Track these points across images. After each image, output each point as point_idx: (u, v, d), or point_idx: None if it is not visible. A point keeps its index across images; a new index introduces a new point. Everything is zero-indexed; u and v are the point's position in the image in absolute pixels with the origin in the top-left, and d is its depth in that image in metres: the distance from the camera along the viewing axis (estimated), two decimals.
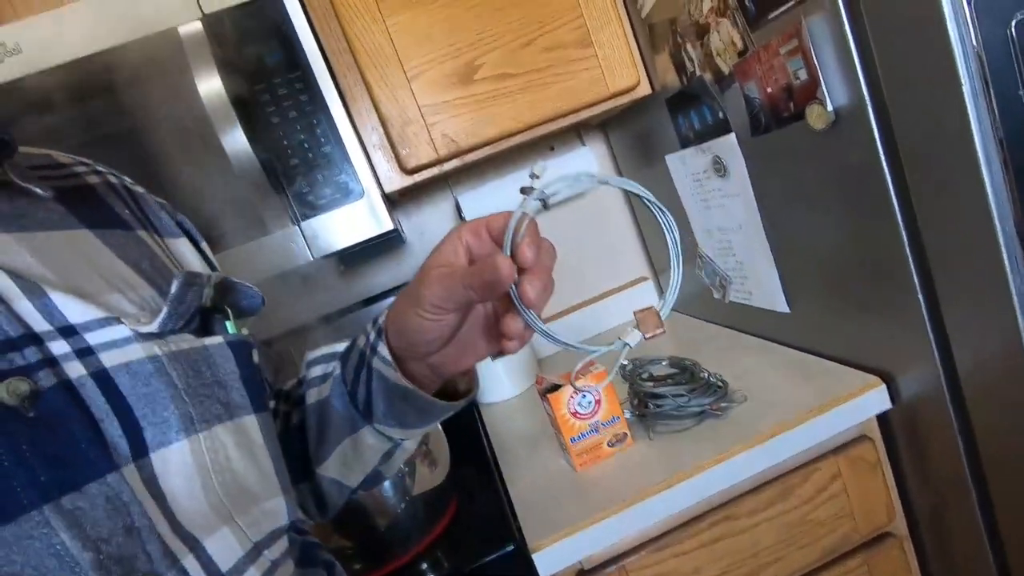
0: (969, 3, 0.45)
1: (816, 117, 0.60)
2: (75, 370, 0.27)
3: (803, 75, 0.60)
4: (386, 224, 0.78)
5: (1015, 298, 0.49)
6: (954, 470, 0.62)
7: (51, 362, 0.26)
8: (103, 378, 0.28)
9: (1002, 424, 0.57)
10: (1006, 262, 0.49)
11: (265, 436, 0.36)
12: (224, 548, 0.29)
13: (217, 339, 0.34)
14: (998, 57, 0.46)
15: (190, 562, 0.28)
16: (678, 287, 0.39)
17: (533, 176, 0.37)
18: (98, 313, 0.29)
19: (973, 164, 0.48)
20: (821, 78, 0.58)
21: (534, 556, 0.60)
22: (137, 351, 0.29)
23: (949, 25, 0.45)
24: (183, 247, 0.41)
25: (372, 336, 0.44)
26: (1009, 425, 0.56)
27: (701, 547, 0.65)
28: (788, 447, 0.65)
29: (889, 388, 0.66)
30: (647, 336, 0.38)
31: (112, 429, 0.27)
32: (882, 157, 0.56)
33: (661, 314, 0.38)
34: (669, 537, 0.65)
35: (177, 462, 0.29)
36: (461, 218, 1.11)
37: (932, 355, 0.59)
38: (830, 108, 0.58)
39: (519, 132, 0.87)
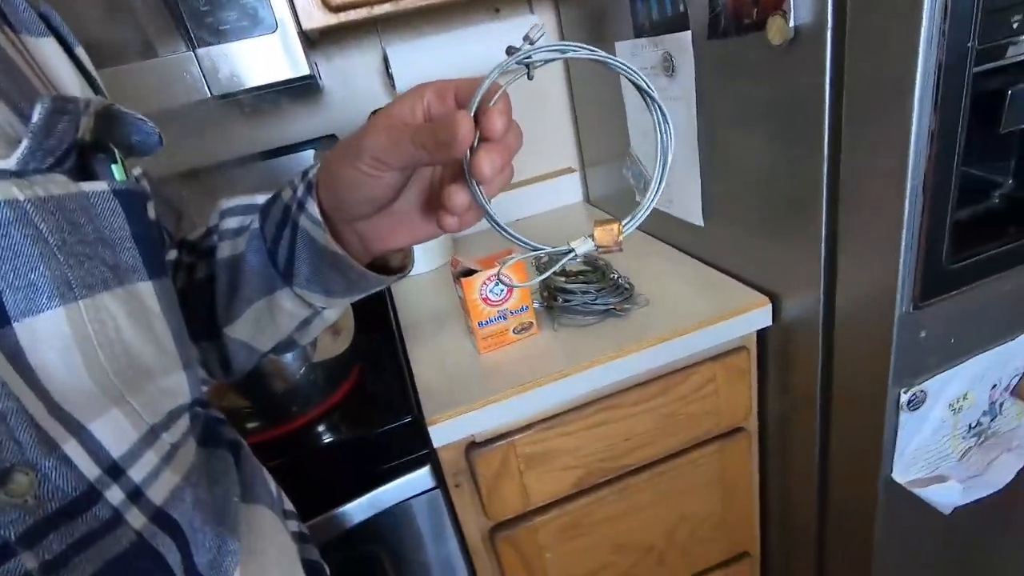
0: None
1: (776, 30, 0.57)
2: None
3: None
4: (301, 67, 0.69)
5: (902, 249, 0.54)
6: (808, 387, 0.71)
7: None
8: None
9: (857, 357, 0.64)
10: (905, 214, 0.52)
11: (163, 304, 0.31)
12: (114, 431, 0.26)
13: (100, 185, 0.27)
14: (964, 7, 0.45)
15: (72, 448, 0.24)
16: (651, 208, 0.36)
17: (527, 39, 0.31)
18: None
19: (907, 109, 0.49)
20: None
21: (430, 428, 0.63)
22: None
23: None
24: (50, 51, 0.31)
25: (300, 190, 0.38)
26: (862, 359, 0.63)
27: (585, 429, 0.71)
28: (677, 351, 0.70)
29: (774, 308, 0.72)
30: (599, 250, 0.36)
31: None
32: (827, 84, 0.55)
33: (624, 231, 0.35)
34: (557, 419, 0.70)
35: (49, 333, 0.24)
36: (388, 74, 1.00)
37: (818, 286, 0.64)
38: (792, 23, 0.56)
39: None
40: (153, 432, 0.28)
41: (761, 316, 0.72)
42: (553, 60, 0.32)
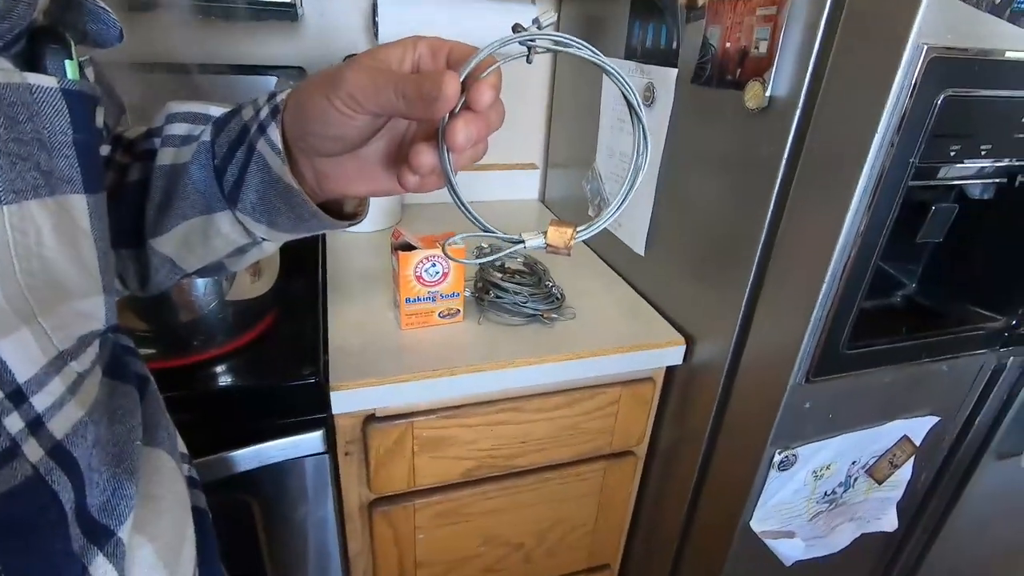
0: (921, 69, 0.46)
1: (752, 95, 0.60)
2: None
3: (763, 48, 0.58)
4: None
5: (809, 325, 0.58)
6: (699, 426, 0.76)
7: None
8: None
9: (746, 411, 0.69)
10: (820, 293, 0.56)
11: (94, 222, 0.28)
12: (21, 354, 0.23)
13: (48, 81, 0.25)
14: (917, 117, 0.49)
15: None
16: (607, 222, 0.36)
17: (536, 22, 0.31)
18: None
19: (847, 198, 0.52)
20: (776, 60, 0.57)
21: (332, 393, 0.62)
22: None
23: (897, 75, 0.47)
24: None
25: (264, 112, 0.36)
26: (751, 414, 0.68)
27: (484, 425, 0.73)
28: (589, 370, 0.73)
29: (687, 348, 0.76)
30: (547, 249, 0.35)
31: None
32: (785, 155, 0.58)
33: (576, 237, 0.35)
34: (460, 410, 0.71)
35: None
36: (374, 21, 0.96)
37: (731, 338, 0.68)
38: (768, 92, 0.58)
39: None
40: (62, 358, 0.26)
41: (674, 354, 0.76)
42: (555, 51, 0.32)
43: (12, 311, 0.24)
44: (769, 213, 0.61)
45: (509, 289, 0.76)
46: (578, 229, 0.35)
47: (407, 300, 0.71)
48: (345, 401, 0.63)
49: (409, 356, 0.68)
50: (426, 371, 0.65)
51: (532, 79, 1.15)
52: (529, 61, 0.33)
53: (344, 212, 0.42)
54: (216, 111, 0.40)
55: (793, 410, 0.64)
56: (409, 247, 0.68)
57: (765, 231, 0.62)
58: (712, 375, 0.72)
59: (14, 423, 0.23)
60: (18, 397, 0.24)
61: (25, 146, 0.24)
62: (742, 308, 0.66)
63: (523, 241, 0.35)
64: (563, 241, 0.35)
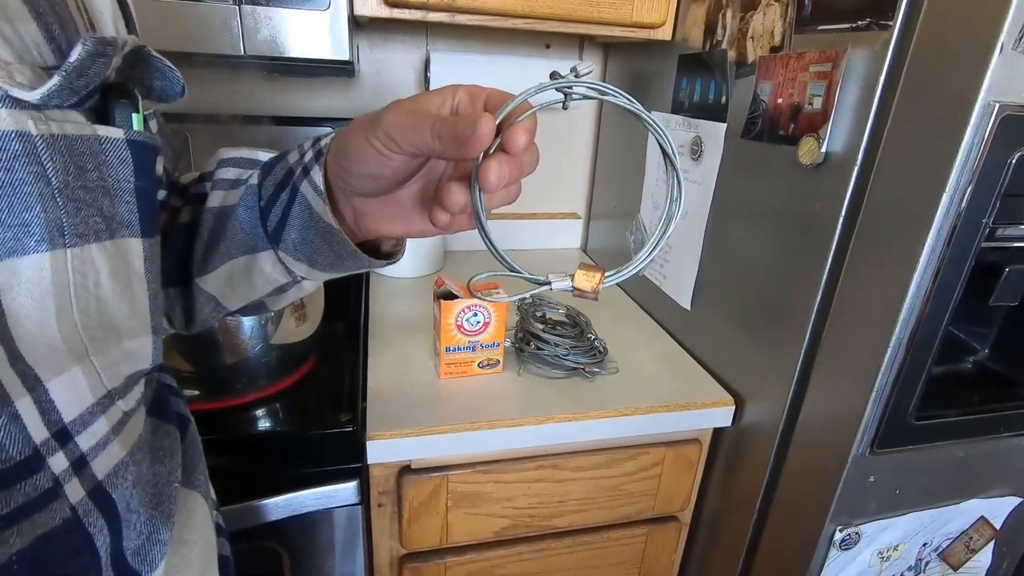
0: (992, 127, 0.44)
1: (807, 151, 0.58)
2: None
3: (818, 104, 0.57)
4: (342, 51, 0.68)
5: (873, 393, 0.54)
6: (749, 494, 0.71)
7: None
8: None
9: (803, 481, 0.64)
10: (885, 360, 0.53)
11: (148, 265, 0.29)
12: (71, 392, 0.24)
13: (116, 132, 0.26)
14: (989, 176, 0.47)
15: (25, 405, 0.22)
16: (639, 270, 0.35)
17: (574, 71, 0.31)
18: None
19: (914, 259, 0.49)
20: (832, 116, 0.55)
21: (368, 443, 0.61)
22: (2, 120, 0.21)
23: (967, 134, 0.44)
24: None
25: (308, 157, 0.38)
26: (807, 485, 0.63)
27: (521, 482, 0.70)
28: (633, 428, 0.70)
29: (736, 410, 0.72)
30: (575, 292, 0.35)
31: None
32: (843, 213, 0.56)
33: (604, 282, 0.35)
34: (497, 465, 0.68)
35: (30, 278, 0.22)
36: (426, 76, 1.00)
37: (784, 401, 0.64)
38: (823, 149, 0.57)
39: (521, 16, 0.77)
40: (109, 397, 0.27)
41: (723, 415, 0.72)
42: (591, 98, 0.32)
43: (67, 349, 0.24)
44: (826, 272, 0.58)
45: (550, 341, 0.75)
46: (607, 274, 0.35)
47: (447, 349, 0.70)
48: (381, 451, 0.62)
49: (447, 406, 0.67)
50: (463, 423, 0.64)
51: (576, 131, 1.16)
52: (565, 107, 0.33)
53: (381, 251, 0.43)
54: (264, 156, 0.42)
55: (855, 483, 0.59)
56: (451, 296, 0.68)
57: (821, 290, 0.59)
58: (764, 440, 0.68)
59: (59, 462, 0.24)
60: (63, 436, 0.24)
61: (90, 192, 0.25)
62: (796, 370, 0.63)
63: (550, 283, 0.35)
64: (591, 285, 0.34)
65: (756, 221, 0.68)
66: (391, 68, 1.04)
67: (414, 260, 1.03)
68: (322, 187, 0.36)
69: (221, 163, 0.42)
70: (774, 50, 0.63)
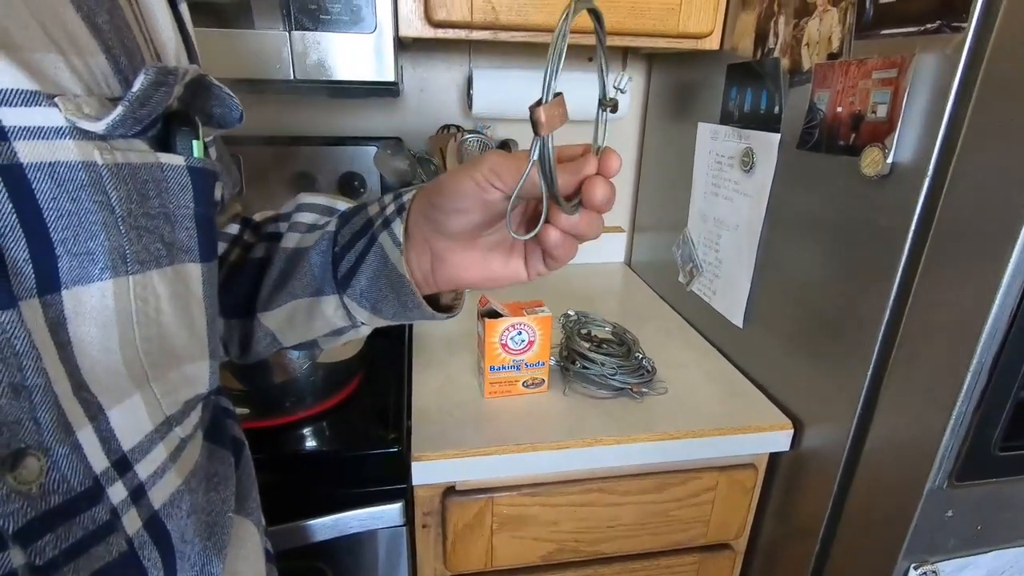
0: None
1: (871, 162, 0.55)
2: None
3: (882, 112, 0.54)
4: (387, 72, 0.69)
5: (952, 420, 0.50)
6: (812, 523, 0.67)
7: None
8: (15, 177, 0.20)
9: (871, 514, 0.60)
10: (965, 385, 0.49)
11: (206, 289, 0.30)
12: (131, 420, 0.24)
13: (176, 160, 0.26)
14: None
15: (86, 435, 0.22)
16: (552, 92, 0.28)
17: (617, 88, 0.32)
18: (23, 80, 0.20)
19: (997, 274, 0.45)
20: (899, 124, 0.52)
21: (413, 464, 0.60)
22: (69, 151, 0.21)
23: None
24: (155, 2, 0.31)
25: (390, 209, 0.39)
26: (877, 519, 0.59)
27: (568, 505, 0.68)
28: (684, 452, 0.67)
29: (795, 433, 0.69)
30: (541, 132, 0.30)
31: (16, 249, 0.20)
32: (912, 227, 0.52)
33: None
34: (543, 487, 0.67)
35: (95, 306, 0.22)
36: (469, 94, 1.00)
37: (849, 426, 0.61)
38: (890, 160, 0.53)
39: None
40: (167, 424, 0.27)
41: (780, 439, 0.69)
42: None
43: (129, 376, 0.24)
44: (894, 289, 0.55)
45: (596, 360, 0.73)
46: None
47: (492, 368, 0.69)
48: (426, 472, 0.61)
49: (491, 427, 0.65)
50: (509, 444, 0.63)
51: (619, 142, 1.14)
52: (614, 110, 0.33)
53: (441, 304, 0.44)
54: (342, 205, 0.44)
55: (932, 518, 0.54)
56: (495, 314, 0.67)
57: (889, 309, 0.55)
58: (826, 467, 0.64)
59: (117, 492, 0.24)
60: (123, 465, 0.24)
61: (152, 219, 0.25)
62: (862, 394, 0.59)
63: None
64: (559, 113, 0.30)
65: (814, 235, 0.65)
66: (433, 87, 1.05)
67: None
68: (401, 238, 0.37)
69: (300, 207, 0.44)
70: (832, 57, 0.60)
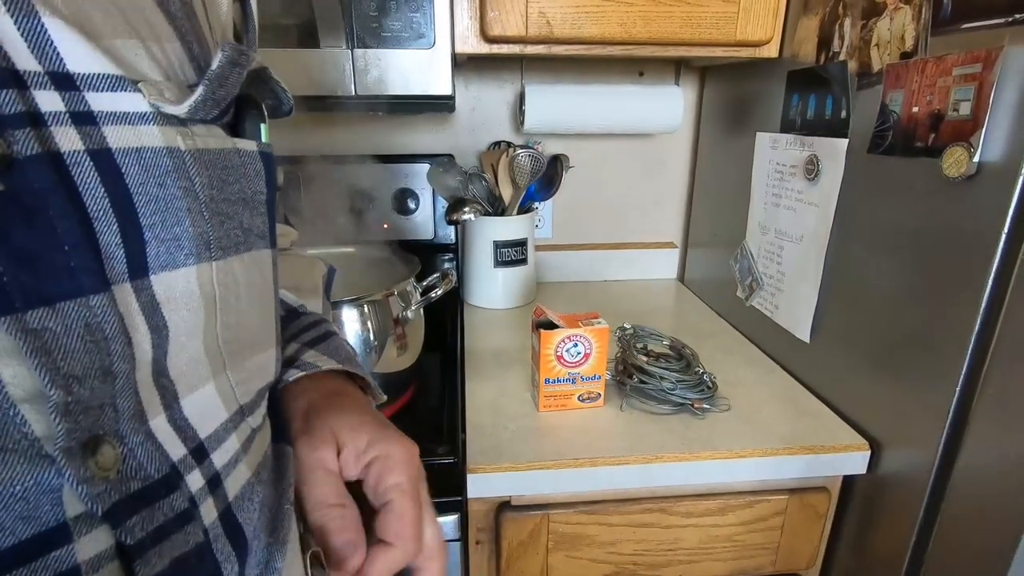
0: None
1: (954, 163, 0.52)
2: (69, 140, 0.19)
3: (965, 109, 0.51)
4: (444, 87, 0.70)
5: None
6: (894, 554, 0.62)
7: (35, 119, 0.18)
8: (106, 160, 0.20)
9: (964, 544, 0.55)
10: None
11: (275, 275, 0.30)
12: (206, 408, 0.24)
13: (250, 145, 0.26)
14: None
15: (159, 423, 0.22)
16: None
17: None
18: (108, 66, 0.20)
19: None
20: (986, 122, 0.49)
21: (468, 476, 0.59)
22: (154, 136, 0.21)
23: None
24: None
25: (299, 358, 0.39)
26: (971, 548, 0.54)
27: (626, 526, 0.65)
28: (751, 472, 0.63)
29: (872, 455, 0.64)
30: None
31: (109, 234, 0.20)
32: (1005, 231, 0.49)
33: None
34: (601, 506, 0.64)
35: (182, 291, 0.23)
36: (521, 110, 1.01)
37: (936, 446, 0.56)
38: (976, 159, 0.50)
39: (620, 43, 0.76)
40: (240, 413, 0.27)
41: (856, 461, 0.64)
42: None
43: (208, 363, 0.24)
44: (984, 300, 0.51)
45: (655, 374, 0.71)
46: None
47: (547, 381, 0.68)
48: (481, 485, 0.60)
49: (547, 441, 0.64)
50: (566, 459, 0.61)
51: (672, 157, 1.13)
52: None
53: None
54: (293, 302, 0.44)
55: None
56: (551, 325, 0.66)
57: (979, 321, 0.51)
58: (909, 492, 0.59)
59: (195, 480, 0.23)
60: (200, 454, 0.24)
61: (232, 205, 0.25)
62: (950, 413, 0.54)
63: None
64: None
65: (889, 243, 0.61)
66: (484, 105, 1.07)
67: (507, 291, 1.02)
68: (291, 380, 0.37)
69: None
70: (905, 56, 0.58)
